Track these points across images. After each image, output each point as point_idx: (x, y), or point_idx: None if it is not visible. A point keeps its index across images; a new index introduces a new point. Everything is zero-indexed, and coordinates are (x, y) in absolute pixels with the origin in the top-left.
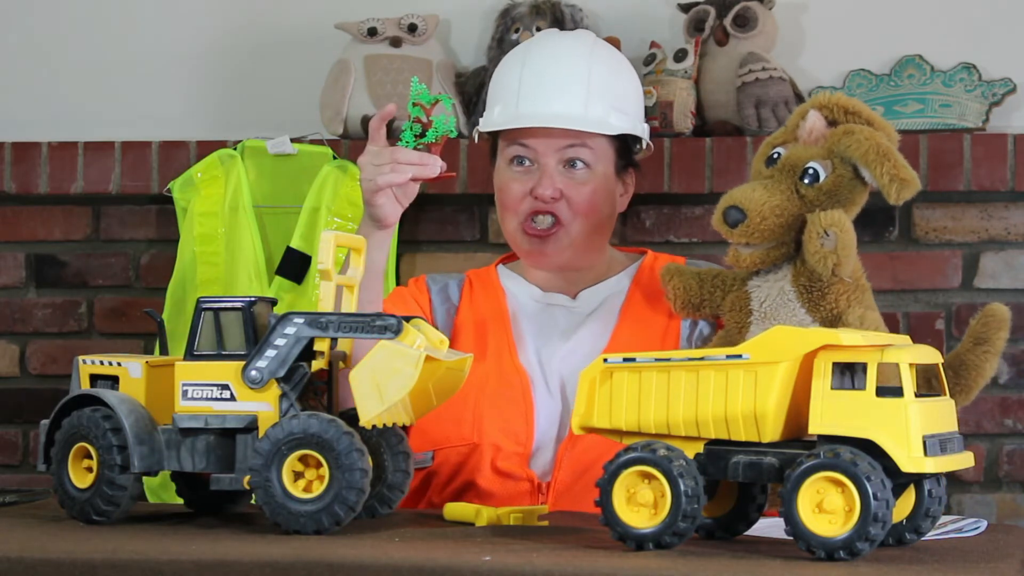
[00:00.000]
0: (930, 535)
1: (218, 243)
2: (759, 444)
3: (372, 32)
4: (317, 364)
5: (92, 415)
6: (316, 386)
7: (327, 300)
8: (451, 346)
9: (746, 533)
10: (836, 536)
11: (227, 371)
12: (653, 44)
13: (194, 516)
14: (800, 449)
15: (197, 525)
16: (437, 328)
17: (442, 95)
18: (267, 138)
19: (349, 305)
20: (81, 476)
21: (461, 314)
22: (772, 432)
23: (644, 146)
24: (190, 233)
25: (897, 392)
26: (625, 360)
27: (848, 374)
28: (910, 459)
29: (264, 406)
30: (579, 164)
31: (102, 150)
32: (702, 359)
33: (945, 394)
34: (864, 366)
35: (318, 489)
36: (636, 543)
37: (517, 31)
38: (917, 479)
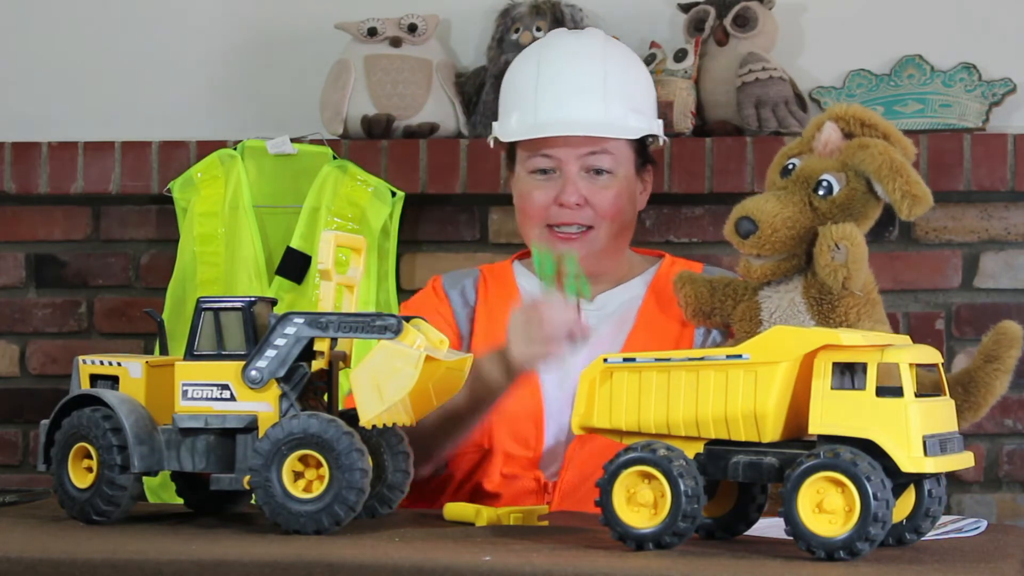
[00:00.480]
0: (930, 535)
1: (218, 243)
2: (759, 444)
3: (372, 32)
4: (317, 364)
5: (92, 415)
6: (316, 386)
7: (327, 300)
8: (468, 347)
9: (746, 533)
10: (836, 536)
11: (227, 371)
12: (653, 44)
13: (194, 516)
14: (800, 449)
15: (197, 525)
16: (460, 333)
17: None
18: (267, 138)
19: (349, 305)
20: (81, 476)
21: (478, 313)
22: (772, 432)
23: (660, 141)
24: (190, 233)
25: (897, 392)
26: (625, 360)
27: (848, 374)
28: (910, 459)
29: (264, 406)
30: (602, 170)
31: (102, 150)
32: (702, 359)
33: (945, 394)
34: (864, 366)
35: (318, 489)
36: (636, 543)
37: (517, 31)
38: (917, 479)
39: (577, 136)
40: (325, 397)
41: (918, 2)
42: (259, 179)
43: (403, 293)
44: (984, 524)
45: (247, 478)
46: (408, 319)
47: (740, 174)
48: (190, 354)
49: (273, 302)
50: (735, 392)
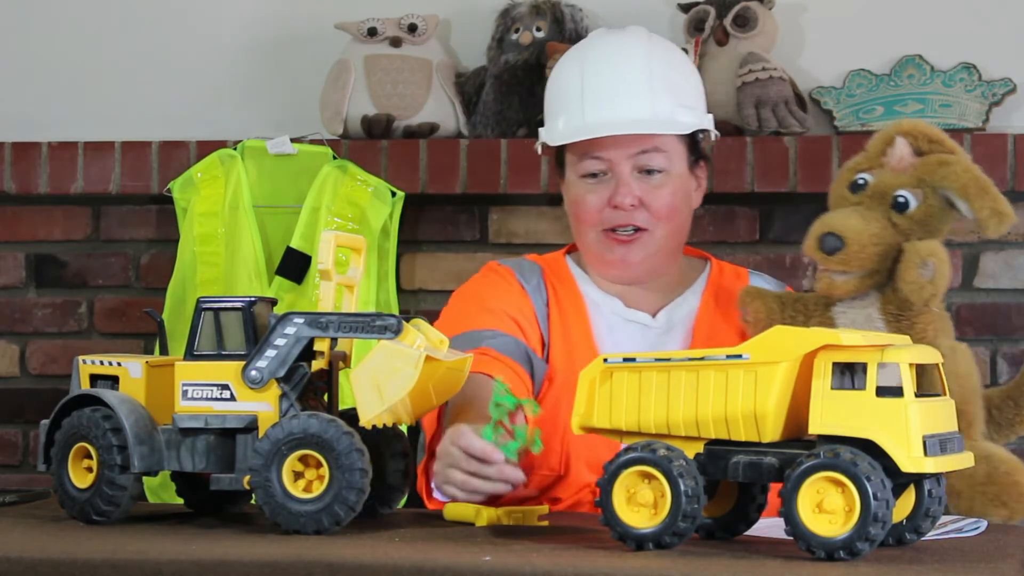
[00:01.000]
0: (930, 535)
1: (218, 243)
2: (759, 444)
3: (372, 32)
4: (317, 364)
5: (92, 415)
6: (316, 386)
7: (327, 300)
8: (548, 354)
9: (746, 533)
10: (836, 536)
11: (227, 371)
12: None
13: (194, 516)
14: (800, 449)
15: (197, 525)
16: (539, 325)
17: (527, 400)
18: (267, 138)
19: (349, 305)
20: (81, 476)
21: (552, 316)
22: (772, 432)
23: (712, 136)
24: (190, 233)
25: (897, 392)
26: (625, 360)
27: (848, 374)
28: (910, 459)
29: (264, 406)
30: (654, 169)
31: (102, 150)
32: (702, 359)
33: (945, 394)
34: (864, 366)
35: (318, 489)
36: (636, 543)
37: (517, 31)
38: (917, 479)
39: (627, 136)
40: (325, 397)
41: (918, 2)
42: (259, 179)
43: (403, 293)
44: (984, 524)
45: (247, 478)
46: (408, 319)
47: (740, 174)
48: (190, 354)
49: (273, 302)
50: (735, 392)
